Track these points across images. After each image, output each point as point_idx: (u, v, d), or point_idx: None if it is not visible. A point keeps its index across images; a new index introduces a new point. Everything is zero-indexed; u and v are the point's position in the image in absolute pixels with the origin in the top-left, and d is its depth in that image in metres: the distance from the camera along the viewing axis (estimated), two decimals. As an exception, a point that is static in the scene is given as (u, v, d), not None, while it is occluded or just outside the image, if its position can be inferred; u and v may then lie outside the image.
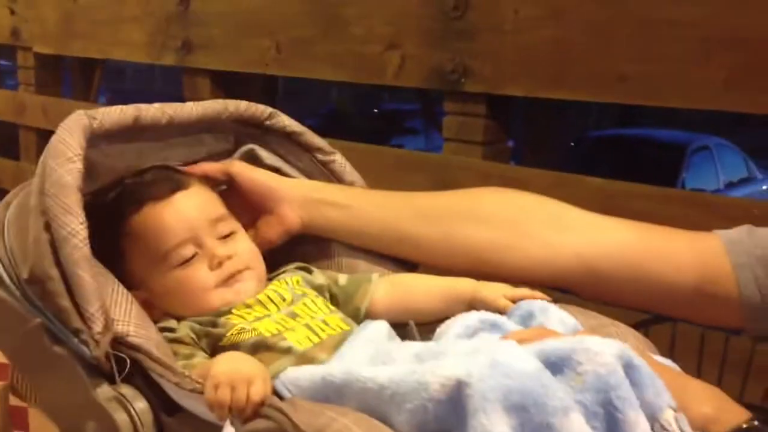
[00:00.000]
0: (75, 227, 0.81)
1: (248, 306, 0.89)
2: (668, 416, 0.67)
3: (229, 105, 1.00)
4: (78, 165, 0.84)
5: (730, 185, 6.50)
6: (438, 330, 0.85)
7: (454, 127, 1.74)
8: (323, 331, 0.86)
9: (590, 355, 0.67)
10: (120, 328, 0.80)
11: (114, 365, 0.78)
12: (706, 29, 1.42)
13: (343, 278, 0.96)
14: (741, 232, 0.96)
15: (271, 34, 2.12)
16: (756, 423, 0.73)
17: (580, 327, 0.83)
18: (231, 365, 0.74)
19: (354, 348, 0.81)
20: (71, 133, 0.85)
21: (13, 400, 1.29)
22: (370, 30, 1.91)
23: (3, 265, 0.86)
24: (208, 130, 1.01)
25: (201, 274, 0.89)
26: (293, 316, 0.87)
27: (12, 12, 3.03)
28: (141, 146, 0.95)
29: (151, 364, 0.77)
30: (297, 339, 0.84)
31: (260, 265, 0.94)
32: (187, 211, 0.91)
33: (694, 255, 0.96)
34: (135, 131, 0.92)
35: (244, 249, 0.93)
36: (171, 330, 0.87)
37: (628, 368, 0.67)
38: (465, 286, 0.91)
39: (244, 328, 0.85)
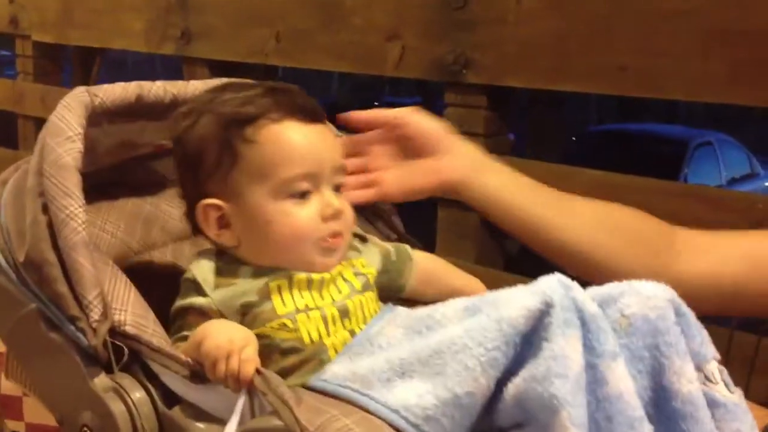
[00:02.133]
0: (74, 210, 0.78)
1: (309, 282, 0.80)
2: (713, 367, 0.66)
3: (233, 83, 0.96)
4: (78, 145, 0.80)
5: (733, 181, 6.50)
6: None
7: (454, 118, 1.72)
8: None
9: (641, 297, 0.65)
10: (117, 316, 0.77)
11: (111, 354, 0.76)
12: (708, 21, 1.41)
13: (393, 251, 0.92)
14: None
15: (271, 23, 2.11)
16: None
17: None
18: (224, 336, 0.71)
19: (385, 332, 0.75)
20: (71, 111, 0.82)
21: (6, 389, 1.28)
22: (370, 20, 1.89)
23: None
24: None
25: (309, 216, 0.80)
26: (343, 314, 0.80)
27: (10, 0, 3.01)
28: (142, 124, 0.92)
29: (151, 354, 0.75)
30: (335, 347, 0.78)
31: (351, 236, 0.87)
32: (322, 145, 0.82)
33: None
34: (137, 109, 0.89)
35: (349, 210, 0.84)
36: (197, 292, 0.80)
37: (677, 315, 0.65)
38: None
39: (285, 325, 0.78)
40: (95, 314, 0.76)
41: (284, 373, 0.75)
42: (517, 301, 0.63)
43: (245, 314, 0.79)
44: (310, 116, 0.82)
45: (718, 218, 1.03)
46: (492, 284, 0.81)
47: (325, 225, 0.80)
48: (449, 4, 1.73)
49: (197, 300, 0.80)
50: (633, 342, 0.64)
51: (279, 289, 0.79)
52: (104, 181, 0.94)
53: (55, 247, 0.78)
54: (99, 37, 2.75)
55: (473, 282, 0.96)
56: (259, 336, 0.76)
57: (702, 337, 0.67)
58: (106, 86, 0.86)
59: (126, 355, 0.76)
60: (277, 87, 0.83)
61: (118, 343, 0.76)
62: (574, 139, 6.71)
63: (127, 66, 13.56)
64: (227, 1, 2.27)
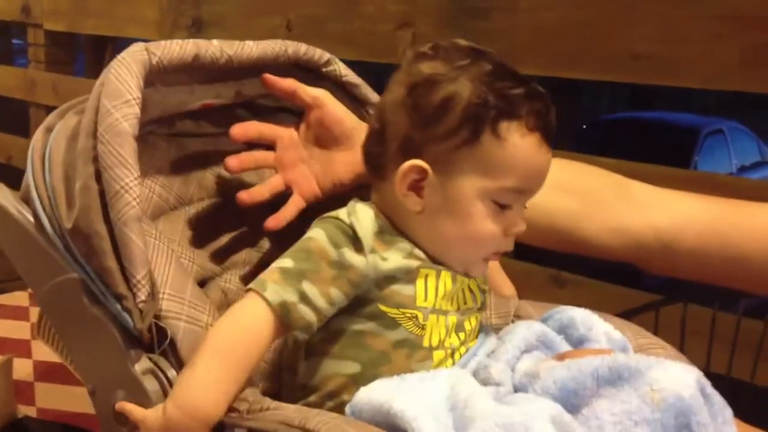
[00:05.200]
0: (129, 182, 0.74)
1: (453, 282, 0.77)
2: None
3: (289, 47, 0.94)
4: (136, 110, 0.76)
5: (743, 169, 6.48)
6: (501, 332, 0.82)
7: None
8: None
9: (670, 375, 0.65)
10: (161, 302, 0.75)
11: (154, 336, 0.74)
12: (722, 8, 1.40)
13: None
14: None
15: (282, 11, 2.11)
16: None
17: (628, 344, 0.80)
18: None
19: (438, 380, 0.71)
20: (130, 71, 0.77)
21: (19, 375, 1.29)
22: (382, 8, 1.89)
23: (44, 208, 0.80)
24: (260, 71, 0.94)
25: (499, 228, 0.76)
26: (459, 327, 0.77)
27: (23, -11, 3.03)
28: (192, 87, 0.90)
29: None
30: (442, 358, 0.76)
31: None
32: (545, 170, 0.77)
33: (745, 224, 0.94)
34: (192, 69, 0.85)
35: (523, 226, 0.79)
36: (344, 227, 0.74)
37: (703, 394, 0.65)
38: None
39: (416, 317, 0.75)
40: (142, 294, 0.73)
41: (383, 360, 0.74)
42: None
43: (382, 288, 0.74)
44: (550, 137, 0.77)
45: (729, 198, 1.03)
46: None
47: (503, 240, 0.77)
48: (461, -8, 1.73)
49: (352, 257, 0.74)
50: (666, 417, 0.63)
51: (426, 279, 0.76)
52: (145, 128, 0.88)
53: (106, 218, 0.74)
54: (111, 26, 2.76)
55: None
56: (380, 316, 0.74)
57: (725, 417, 0.67)
58: (163, 43, 0.82)
59: (169, 337, 0.74)
60: (539, 93, 0.76)
61: (161, 324, 0.74)
62: (585, 127, 6.70)
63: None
64: (239, -11, 2.27)
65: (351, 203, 0.78)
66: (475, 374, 0.74)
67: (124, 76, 0.77)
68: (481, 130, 0.73)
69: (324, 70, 0.98)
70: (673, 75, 1.48)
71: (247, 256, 0.99)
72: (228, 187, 0.98)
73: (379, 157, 0.78)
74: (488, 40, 1.69)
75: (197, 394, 0.70)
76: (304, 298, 0.72)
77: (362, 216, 0.76)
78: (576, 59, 1.59)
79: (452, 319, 0.76)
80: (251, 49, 0.89)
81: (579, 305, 0.84)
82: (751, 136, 7.02)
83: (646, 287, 1.60)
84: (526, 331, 0.79)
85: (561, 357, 0.74)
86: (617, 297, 1.59)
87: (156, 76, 0.82)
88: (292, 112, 0.98)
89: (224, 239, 0.98)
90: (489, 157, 0.73)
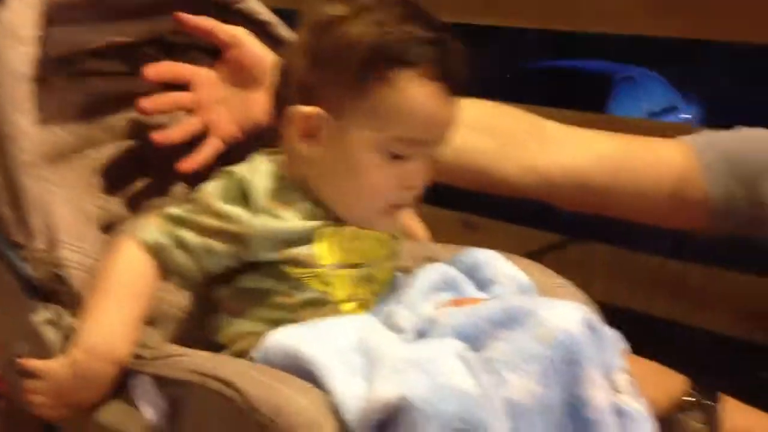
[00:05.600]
0: (25, 127, 0.70)
1: (356, 236, 0.76)
2: (621, 378, 0.69)
3: None
4: (32, 49, 0.72)
5: (654, 114, 6.66)
6: (411, 276, 0.81)
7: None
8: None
9: (558, 313, 0.68)
10: (60, 251, 0.73)
11: (56, 287, 0.72)
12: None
13: None
14: (702, 134, 0.99)
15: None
16: (695, 394, 0.76)
17: (533, 285, 0.82)
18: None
19: (346, 326, 0.71)
20: (27, 9, 0.73)
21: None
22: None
23: None
24: (172, 7, 0.90)
25: (392, 179, 0.73)
26: (369, 277, 0.77)
27: None
28: (99, 21, 0.86)
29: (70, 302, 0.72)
30: (353, 309, 0.75)
31: None
32: (447, 121, 0.74)
33: (669, 158, 0.97)
34: (97, 5, 0.82)
35: (425, 182, 0.77)
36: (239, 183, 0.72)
37: (591, 329, 0.68)
38: None
39: (319, 276, 0.73)
40: (40, 243, 0.72)
41: (293, 319, 0.72)
42: (382, 390, 0.62)
43: (280, 249, 0.73)
44: (453, 88, 0.73)
45: (634, 135, 1.08)
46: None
47: (399, 192, 0.75)
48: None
49: (238, 213, 0.72)
50: (555, 354, 0.66)
51: (326, 237, 0.74)
52: (45, 67, 0.82)
53: (1, 163, 0.71)
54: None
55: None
56: (284, 277, 0.73)
57: (613, 349, 0.70)
58: None
59: (68, 287, 0.73)
60: (443, 41, 0.72)
61: (60, 273, 0.73)
62: (506, 76, 6.76)
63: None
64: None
65: (255, 155, 0.76)
66: (383, 321, 0.75)
67: (19, 12, 0.73)
68: (374, 77, 0.70)
69: (237, 6, 0.94)
70: (580, 21, 1.52)
71: (159, 201, 0.96)
72: (137, 130, 0.94)
73: (282, 101, 0.76)
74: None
75: (103, 334, 0.70)
76: (181, 243, 0.72)
77: (260, 172, 0.74)
78: (488, 5, 1.61)
79: (361, 272, 0.76)
80: None
81: (491, 248, 0.86)
82: (662, 82, 7.22)
83: (556, 227, 1.66)
84: (431, 274, 0.80)
85: (454, 304, 0.76)
86: (526, 238, 1.64)
87: (56, 13, 0.77)
88: (205, 50, 0.95)
89: (132, 184, 0.94)
90: (381, 106, 0.71)
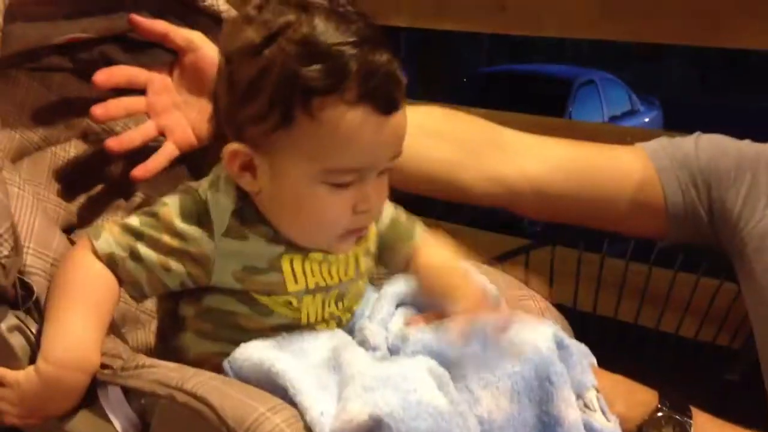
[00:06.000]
0: None
1: (323, 260, 0.72)
2: (591, 395, 0.69)
3: None
4: None
5: (614, 118, 6.75)
6: (381, 289, 0.80)
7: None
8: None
9: (528, 330, 0.68)
10: (25, 257, 0.71)
11: (19, 293, 0.70)
12: (584, -41, 1.45)
13: (386, 217, 0.79)
14: (660, 141, 0.99)
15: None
16: (664, 409, 0.76)
17: (499, 297, 0.79)
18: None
19: (318, 342, 0.71)
20: None
21: None
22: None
23: None
24: (135, 4, 0.88)
25: (341, 208, 0.68)
26: (340, 297, 0.74)
27: None
28: (59, 18, 0.83)
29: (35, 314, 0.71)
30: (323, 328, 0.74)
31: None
32: (389, 140, 0.68)
33: (627, 165, 0.98)
34: (57, 2, 0.80)
35: (384, 198, 0.73)
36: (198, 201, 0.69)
37: (560, 347, 0.69)
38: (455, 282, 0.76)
39: (290, 303, 0.71)
40: (5, 249, 0.69)
41: None
42: (352, 410, 0.61)
43: (241, 279, 0.70)
44: (388, 106, 0.66)
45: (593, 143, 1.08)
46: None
47: (353, 217, 0.69)
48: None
49: (197, 235, 0.69)
50: (525, 370, 0.66)
51: (292, 263, 0.71)
52: (4, 63, 0.81)
53: None
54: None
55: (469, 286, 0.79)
56: (252, 301, 0.70)
57: (582, 366, 0.70)
58: None
59: (34, 294, 0.71)
60: (367, 55, 0.65)
61: (26, 280, 0.71)
62: (465, 80, 6.80)
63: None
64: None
65: (216, 171, 0.72)
66: (355, 337, 0.74)
67: None
68: (293, 111, 0.65)
69: (201, 4, 0.92)
70: (536, 25, 1.52)
71: (119, 202, 0.94)
72: (98, 128, 0.93)
73: (218, 130, 0.71)
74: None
75: (70, 344, 0.67)
76: (136, 257, 0.69)
77: (223, 193, 0.70)
78: (444, 10, 1.60)
79: (332, 294, 0.73)
80: None
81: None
82: (622, 86, 7.31)
83: (519, 233, 1.66)
84: (399, 287, 0.78)
85: (424, 319, 0.75)
86: (491, 243, 1.64)
87: (17, 10, 0.76)
88: (167, 48, 0.92)
89: (93, 184, 0.93)
90: (308, 141, 0.65)
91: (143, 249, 0.69)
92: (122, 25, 0.90)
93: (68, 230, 0.88)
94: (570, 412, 0.66)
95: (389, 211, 0.80)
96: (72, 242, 0.83)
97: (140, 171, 0.88)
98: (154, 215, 0.70)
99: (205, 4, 0.92)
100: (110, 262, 0.70)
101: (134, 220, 0.71)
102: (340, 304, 0.75)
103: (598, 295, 1.43)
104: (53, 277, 0.72)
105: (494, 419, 0.64)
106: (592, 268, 1.42)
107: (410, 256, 0.79)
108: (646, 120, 7.41)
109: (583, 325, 0.90)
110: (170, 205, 0.70)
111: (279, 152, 0.67)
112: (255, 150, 0.67)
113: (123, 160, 0.92)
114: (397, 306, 0.78)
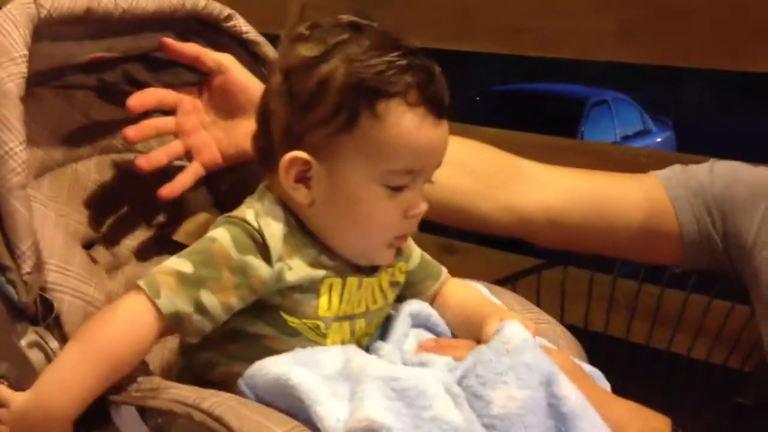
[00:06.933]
0: (14, 147, 0.69)
1: (359, 286, 0.74)
2: None
3: (187, 1, 0.89)
4: (22, 68, 0.71)
5: (626, 138, 6.74)
6: (396, 310, 0.81)
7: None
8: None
9: (512, 328, 0.71)
10: (47, 273, 0.70)
11: (39, 309, 0.71)
12: (599, -19, 1.46)
13: (415, 257, 0.82)
14: (674, 169, 1.01)
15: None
16: None
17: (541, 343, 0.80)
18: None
19: (332, 353, 0.71)
20: (16, 25, 0.72)
21: None
22: (271, -22, 1.87)
23: None
24: (159, 25, 0.90)
25: (396, 211, 0.71)
26: (365, 324, 0.76)
27: None
28: (85, 38, 0.85)
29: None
30: None
31: None
32: (439, 146, 0.72)
33: (640, 194, 1.00)
34: (84, 22, 0.81)
35: (425, 207, 0.74)
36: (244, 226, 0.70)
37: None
38: (488, 311, 0.79)
39: (318, 327, 0.72)
40: (27, 266, 0.70)
41: None
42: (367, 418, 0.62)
43: (282, 294, 0.71)
44: (440, 110, 0.71)
45: (607, 171, 1.09)
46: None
47: (403, 223, 0.73)
48: (351, -37, 1.73)
49: (257, 265, 0.69)
50: (518, 359, 0.68)
51: (330, 289, 0.73)
52: (30, 80, 0.81)
53: None
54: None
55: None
56: (281, 324, 0.71)
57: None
58: None
59: (55, 311, 0.72)
60: (421, 65, 0.70)
61: (47, 297, 0.71)
62: (478, 98, 6.81)
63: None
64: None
65: (259, 195, 0.74)
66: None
67: (9, 30, 0.73)
68: (358, 113, 0.68)
69: (223, 25, 0.94)
70: (552, 47, 1.53)
71: (140, 218, 0.95)
72: (120, 146, 0.94)
73: (265, 148, 0.74)
74: (377, 11, 1.70)
75: (55, 391, 0.67)
76: (201, 308, 0.68)
77: (272, 219, 0.71)
78: (463, 32, 1.62)
79: (357, 321, 0.75)
80: (147, 2, 0.85)
81: (468, 271, 0.88)
82: (634, 106, 7.30)
83: (531, 253, 1.66)
84: (414, 307, 0.80)
85: (436, 345, 0.77)
86: (503, 262, 1.64)
87: (45, 30, 0.77)
88: (191, 67, 0.94)
89: (115, 200, 0.93)
90: (371, 140, 0.69)
91: (207, 297, 0.68)
92: (147, 45, 0.92)
93: (88, 246, 0.88)
94: (572, 389, 0.68)
95: (418, 251, 0.82)
96: (93, 259, 0.85)
97: (167, 191, 0.88)
98: (207, 253, 0.69)
99: (228, 25, 0.94)
100: (176, 321, 0.68)
101: (186, 266, 0.69)
102: (362, 331, 0.76)
103: (609, 316, 1.43)
104: (97, 318, 0.71)
105: (510, 410, 0.66)
106: (603, 289, 1.43)
107: (435, 294, 0.83)
108: (659, 140, 7.39)
109: (594, 345, 0.90)
110: (221, 240, 0.70)
111: (340, 155, 0.70)
112: (314, 156, 0.70)
113: (144, 177, 0.92)
114: (412, 327, 0.79)
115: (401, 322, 0.78)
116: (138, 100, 0.87)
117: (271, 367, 0.67)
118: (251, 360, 0.70)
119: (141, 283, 0.68)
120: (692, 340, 1.38)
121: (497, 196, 1.01)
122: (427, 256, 0.84)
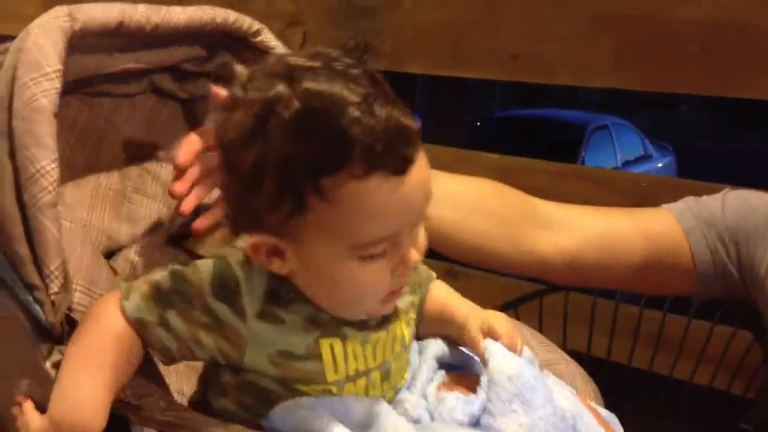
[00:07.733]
0: (46, 165, 0.68)
1: (363, 342, 0.69)
2: None
3: (217, 15, 0.89)
4: (56, 84, 0.70)
5: (627, 163, 6.74)
6: (423, 355, 0.80)
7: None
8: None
9: (504, 358, 0.73)
10: (73, 294, 0.71)
11: (65, 329, 0.70)
12: (595, 7, 1.47)
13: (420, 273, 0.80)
14: (687, 201, 1.03)
15: (168, 9, 2.07)
16: None
17: (535, 359, 0.79)
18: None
19: (359, 404, 0.69)
20: (51, 40, 0.71)
21: None
22: (272, 6, 1.88)
23: None
24: (188, 39, 0.91)
25: (380, 274, 0.64)
26: (385, 376, 0.71)
27: None
28: (114, 50, 0.86)
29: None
30: None
31: None
32: (412, 198, 0.63)
33: (655, 229, 1.01)
34: (115, 35, 0.80)
35: (424, 246, 0.68)
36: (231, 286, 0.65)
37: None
38: (461, 310, 0.78)
39: (330, 391, 0.67)
40: (56, 285, 0.69)
41: None
42: None
43: (277, 363, 0.66)
44: (400, 165, 0.61)
45: (607, 197, 1.09)
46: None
47: (393, 280, 0.66)
48: (350, -9, 1.74)
49: (228, 317, 0.65)
50: (523, 379, 0.71)
51: (332, 350, 0.67)
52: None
53: (19, 201, 0.68)
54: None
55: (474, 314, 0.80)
56: (291, 387, 0.67)
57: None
58: (85, 7, 0.76)
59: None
60: (369, 111, 0.59)
61: (73, 317, 0.71)
62: (478, 124, 6.84)
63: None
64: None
65: (243, 258, 0.68)
66: (394, 407, 0.72)
67: (43, 44, 0.72)
68: (302, 195, 0.60)
69: (251, 39, 0.94)
70: (549, 73, 1.54)
71: (160, 229, 0.95)
72: (141, 155, 0.94)
73: (230, 220, 0.67)
74: (376, 39, 1.71)
75: (71, 405, 0.65)
76: (165, 324, 0.67)
77: (257, 271, 0.66)
78: (458, 58, 1.63)
79: (373, 376, 0.70)
80: (178, 16, 0.85)
81: (472, 296, 0.87)
82: (635, 131, 7.33)
83: (533, 278, 1.66)
84: (438, 349, 0.79)
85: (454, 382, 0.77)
86: (506, 287, 1.64)
87: (77, 43, 0.77)
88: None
89: (134, 210, 0.93)
90: (327, 223, 0.61)
91: (173, 319, 0.66)
92: (176, 58, 0.93)
93: (108, 255, 0.89)
94: (571, 401, 0.72)
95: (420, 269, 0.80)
96: (114, 270, 0.86)
97: (200, 224, 0.87)
98: (186, 280, 0.67)
99: (256, 40, 0.94)
100: (139, 326, 0.67)
101: (165, 281, 0.67)
102: (385, 384, 0.71)
103: (612, 341, 1.42)
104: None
105: None
106: (606, 314, 1.42)
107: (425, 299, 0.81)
108: (660, 165, 7.40)
109: (596, 371, 0.90)
110: (203, 274, 0.67)
111: (301, 237, 0.63)
112: (277, 237, 0.63)
113: (162, 186, 0.94)
114: (437, 370, 0.78)
115: (427, 366, 0.77)
116: (186, 157, 0.82)
117: (296, 414, 0.66)
118: (264, 413, 0.67)
119: (121, 281, 0.69)
120: (695, 366, 1.36)
121: (514, 239, 1.03)
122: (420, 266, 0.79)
